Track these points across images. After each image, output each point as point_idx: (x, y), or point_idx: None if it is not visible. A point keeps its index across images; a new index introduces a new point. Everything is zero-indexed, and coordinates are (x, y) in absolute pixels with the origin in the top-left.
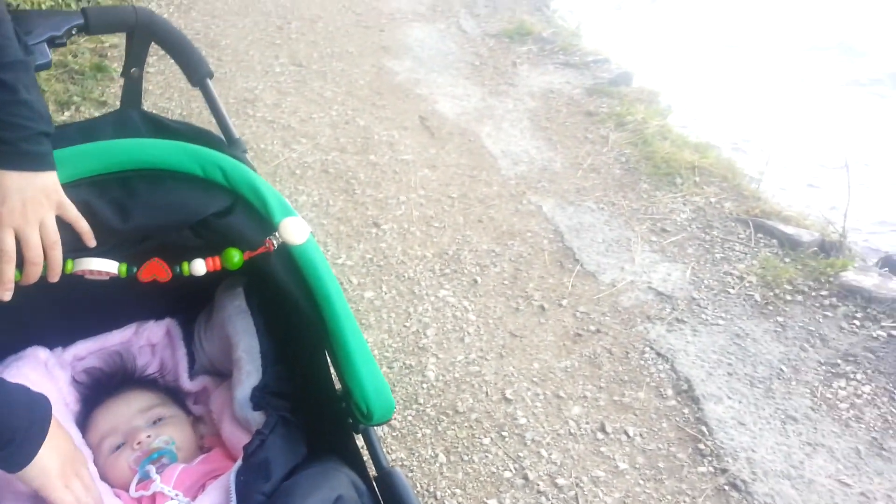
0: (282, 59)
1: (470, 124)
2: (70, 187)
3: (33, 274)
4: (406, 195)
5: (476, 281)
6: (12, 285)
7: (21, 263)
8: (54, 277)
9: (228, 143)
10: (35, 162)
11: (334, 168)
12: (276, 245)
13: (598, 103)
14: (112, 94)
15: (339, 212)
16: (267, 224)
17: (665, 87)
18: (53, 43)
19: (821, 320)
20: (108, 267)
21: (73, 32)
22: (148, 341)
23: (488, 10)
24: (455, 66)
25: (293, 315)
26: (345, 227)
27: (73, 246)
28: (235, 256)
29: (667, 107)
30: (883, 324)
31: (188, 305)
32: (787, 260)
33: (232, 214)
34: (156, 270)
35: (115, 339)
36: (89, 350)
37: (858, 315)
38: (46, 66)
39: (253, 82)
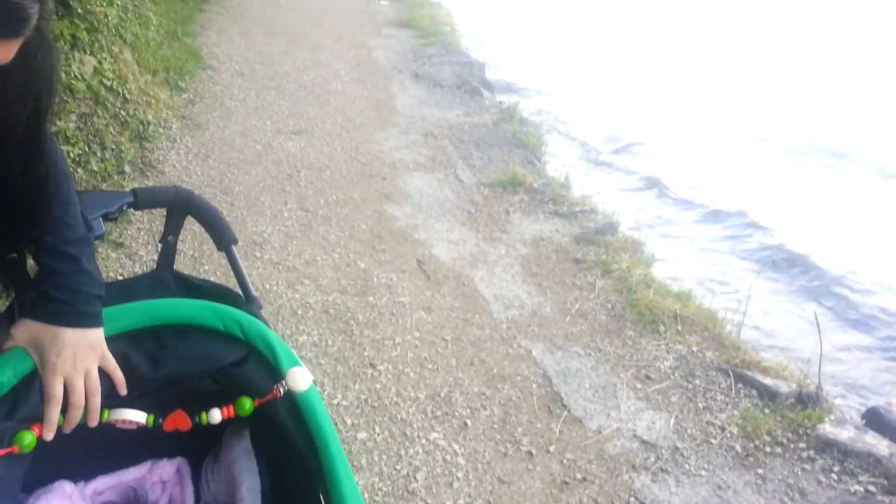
0: (290, 205)
1: (465, 268)
2: (111, 340)
3: (75, 418)
4: (402, 336)
5: (466, 424)
6: (56, 427)
7: (65, 408)
8: (93, 422)
9: (246, 300)
10: (89, 321)
11: (334, 309)
12: (282, 392)
13: (585, 251)
14: (129, 235)
15: (337, 352)
16: (275, 372)
17: (647, 237)
18: (107, 217)
19: (799, 473)
20: (138, 418)
21: (124, 208)
22: (160, 478)
23: (483, 162)
24: (452, 212)
25: (293, 457)
26: (342, 367)
27: (108, 393)
28: (247, 404)
29: (650, 255)
30: (860, 478)
31: (198, 446)
32: (766, 411)
33: (246, 364)
34: (179, 421)
35: (131, 475)
36: (108, 485)
37: (836, 469)
38: (100, 237)
39: (262, 226)
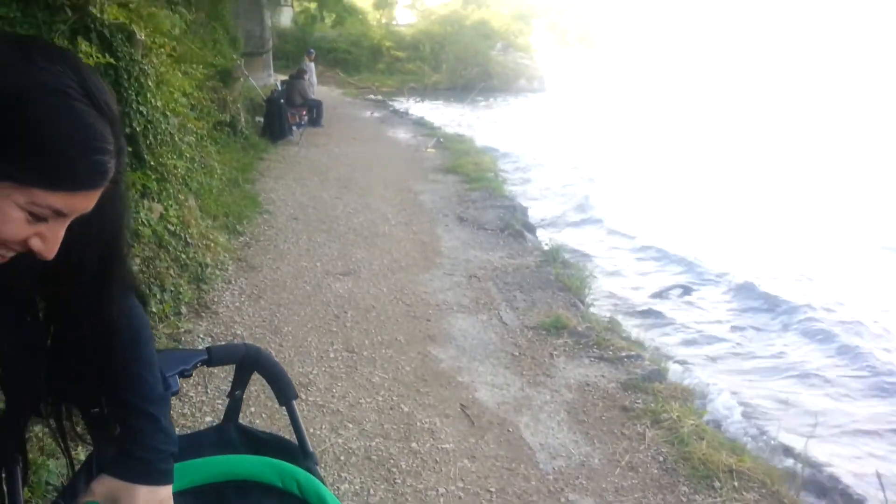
0: (336, 346)
1: (509, 414)
2: (176, 495)
3: None
4: (445, 487)
5: None
6: None
7: None
8: None
9: (304, 456)
10: (162, 478)
11: (377, 455)
12: None
13: (633, 398)
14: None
15: (379, 502)
16: None
17: (703, 384)
18: (182, 374)
19: None
20: None
21: (198, 365)
22: None
23: (526, 304)
24: (495, 355)
25: None
26: None
27: None
28: None
29: (700, 405)
30: None
31: None
32: None
33: None
34: None
35: None
36: None
37: None
38: (175, 393)
39: (308, 367)
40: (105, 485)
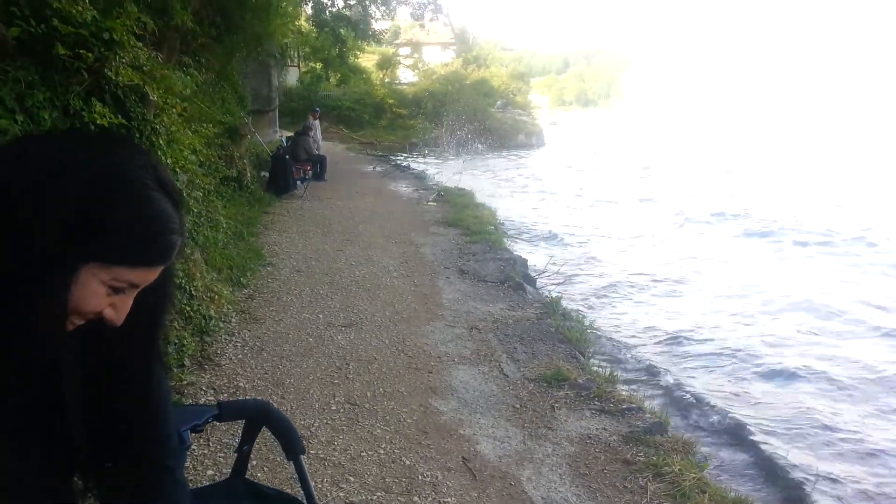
0: (338, 398)
1: (511, 467)
2: None
3: None
4: None
5: None
6: None
7: None
8: None
9: None
10: None
11: None
12: None
13: (634, 451)
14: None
15: None
16: None
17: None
18: (194, 429)
19: None
20: None
21: (210, 420)
22: None
23: (527, 356)
24: (497, 407)
25: None
26: None
27: None
28: None
29: (702, 458)
30: None
31: None
32: None
33: None
34: None
35: None
36: None
37: None
38: (188, 448)
39: (310, 419)
40: None
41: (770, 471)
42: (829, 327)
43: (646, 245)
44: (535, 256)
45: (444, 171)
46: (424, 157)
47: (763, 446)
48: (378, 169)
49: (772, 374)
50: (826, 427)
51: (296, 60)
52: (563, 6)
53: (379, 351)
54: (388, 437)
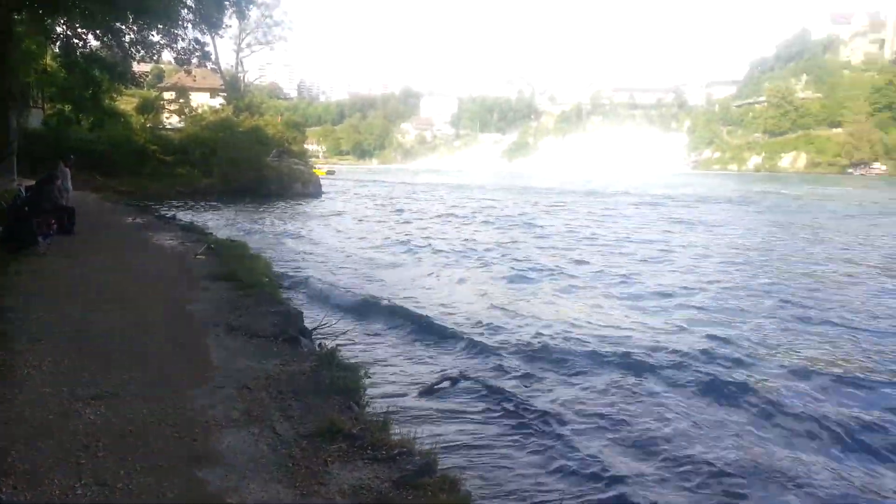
0: (85, 480)
1: None
2: None
3: None
4: None
5: None
6: None
7: None
8: None
9: None
10: None
11: None
12: None
13: (405, 495)
14: None
15: None
16: None
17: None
18: None
19: None
20: None
21: None
22: None
23: (302, 412)
24: (268, 469)
25: None
26: None
27: None
28: None
29: (466, 492)
30: None
31: None
32: None
33: None
34: None
35: None
36: None
37: None
38: None
39: None
40: None
41: None
42: None
43: (417, 287)
44: (312, 308)
45: (216, 221)
46: (192, 207)
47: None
48: (139, 220)
49: None
50: None
51: (39, 102)
52: (339, 56)
53: (135, 422)
54: None
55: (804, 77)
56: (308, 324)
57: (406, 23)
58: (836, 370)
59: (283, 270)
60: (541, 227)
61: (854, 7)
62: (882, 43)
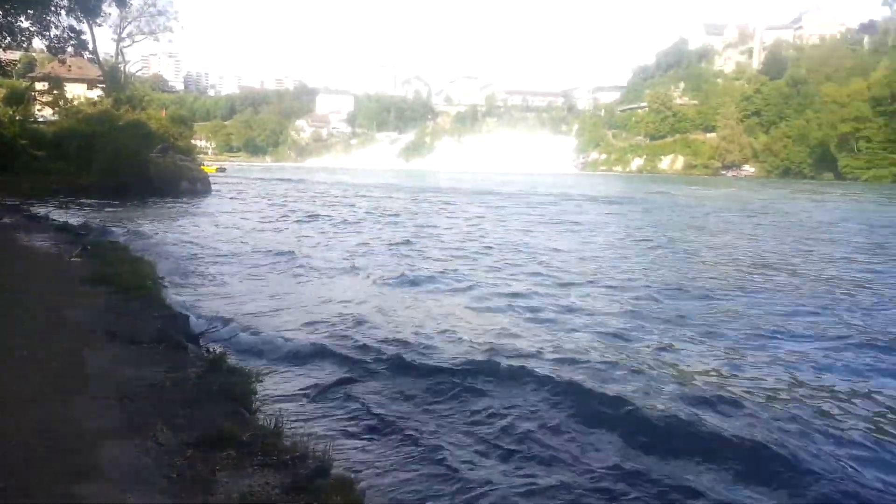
0: None
1: None
2: None
3: None
4: None
5: None
6: None
7: None
8: None
9: None
10: None
11: None
12: None
13: (296, 500)
14: None
15: None
16: None
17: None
18: None
19: None
20: None
21: None
22: None
23: (188, 420)
24: (150, 482)
25: None
26: None
27: None
28: None
29: (361, 492)
30: None
31: None
32: None
33: None
34: None
35: None
36: None
37: None
38: None
39: None
40: None
41: None
42: None
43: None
44: (200, 309)
45: (95, 221)
46: (68, 206)
47: None
48: (7, 220)
49: None
50: None
51: None
52: (230, 48)
53: (6, 437)
54: None
55: (682, 84)
56: (196, 329)
57: (301, 17)
58: (710, 378)
59: (166, 275)
60: (434, 226)
61: (726, 19)
62: (751, 53)
